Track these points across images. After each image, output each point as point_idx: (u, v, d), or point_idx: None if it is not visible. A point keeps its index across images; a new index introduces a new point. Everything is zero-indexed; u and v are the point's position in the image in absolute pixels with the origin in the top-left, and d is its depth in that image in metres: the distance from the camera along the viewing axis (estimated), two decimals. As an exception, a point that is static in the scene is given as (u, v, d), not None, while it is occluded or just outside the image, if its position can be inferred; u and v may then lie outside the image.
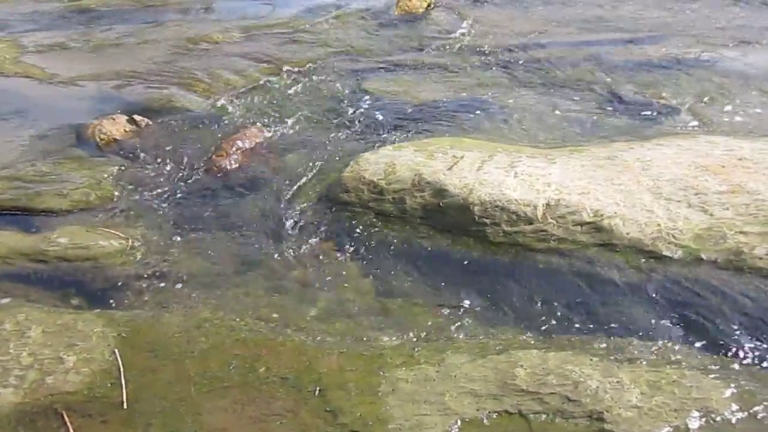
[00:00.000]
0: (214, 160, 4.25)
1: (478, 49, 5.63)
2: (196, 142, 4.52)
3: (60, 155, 4.42)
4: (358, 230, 3.62)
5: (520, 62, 5.36)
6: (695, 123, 4.32)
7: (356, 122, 4.64)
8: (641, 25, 5.85)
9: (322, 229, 3.67)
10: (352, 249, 3.52)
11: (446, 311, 3.08)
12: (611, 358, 2.73)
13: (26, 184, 4.09)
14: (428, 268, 3.35)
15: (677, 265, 3.12)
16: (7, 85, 5.45)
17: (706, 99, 4.58)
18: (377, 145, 4.24)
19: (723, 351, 2.76)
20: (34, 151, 4.48)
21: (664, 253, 3.16)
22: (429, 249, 3.45)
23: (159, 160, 4.33)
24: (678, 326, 2.89)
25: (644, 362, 2.70)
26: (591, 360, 2.71)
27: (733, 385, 2.57)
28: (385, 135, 4.42)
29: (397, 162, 3.83)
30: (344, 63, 5.62)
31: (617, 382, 2.59)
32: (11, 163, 4.33)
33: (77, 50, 6.04)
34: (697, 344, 2.80)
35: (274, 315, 3.11)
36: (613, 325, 2.93)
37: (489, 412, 2.55)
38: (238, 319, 3.07)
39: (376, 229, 3.61)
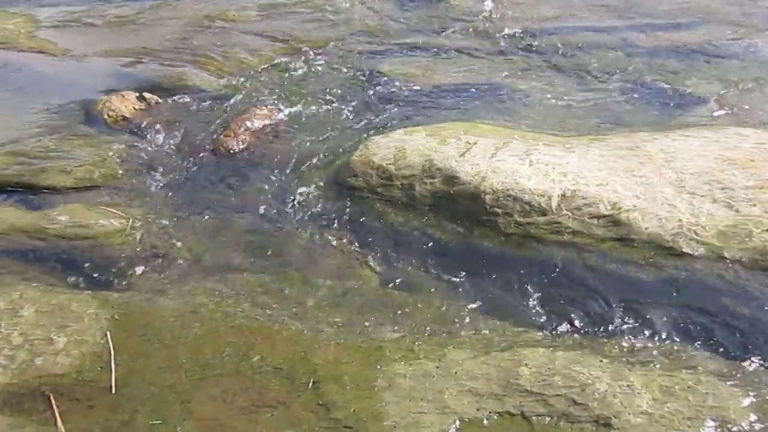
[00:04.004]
0: (222, 140, 4.15)
1: (499, 32, 5.43)
2: (205, 121, 4.42)
3: (67, 131, 4.34)
4: (364, 217, 3.50)
5: (543, 47, 5.15)
6: (724, 114, 4.10)
7: (369, 105, 4.50)
8: (670, 10, 5.59)
9: (328, 214, 3.55)
10: (357, 236, 3.40)
11: (451, 304, 2.95)
12: (622, 359, 2.58)
13: (31, 159, 4.02)
14: (435, 259, 3.22)
15: (698, 263, 2.95)
16: (20, 59, 5.38)
17: (736, 89, 4.35)
18: (389, 128, 4.10)
19: (743, 357, 2.59)
20: (42, 126, 4.41)
21: (684, 250, 2.99)
22: (437, 238, 3.31)
23: (166, 138, 4.23)
24: (696, 328, 2.72)
25: (658, 365, 2.55)
26: (601, 361, 2.56)
27: (752, 393, 2.41)
28: (397, 118, 4.27)
29: (407, 147, 3.69)
30: (361, 44, 5.46)
31: (628, 385, 2.44)
32: (18, 138, 4.26)
33: (92, 26, 5.95)
34: (716, 348, 2.64)
35: (272, 302, 3.01)
36: (626, 324, 2.78)
37: (490, 413, 2.42)
38: (234, 305, 2.97)
39: (384, 215, 3.48)
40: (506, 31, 5.38)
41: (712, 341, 2.67)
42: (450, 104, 4.43)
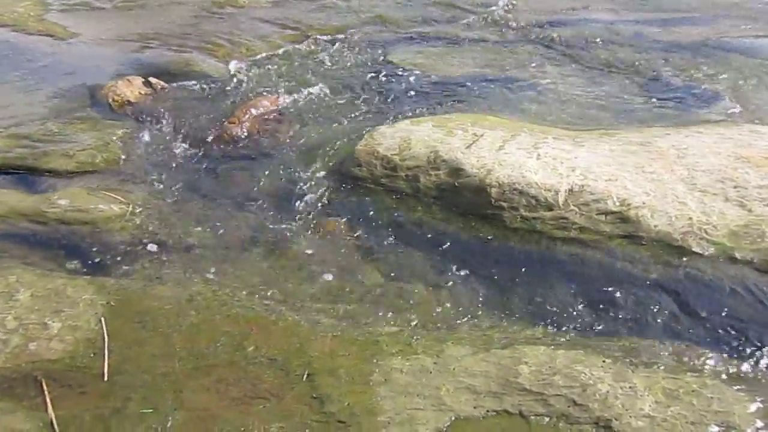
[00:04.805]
0: (226, 127, 4.10)
1: (513, 23, 5.35)
2: (210, 108, 4.37)
3: (71, 115, 4.31)
4: (367, 207, 3.43)
5: (557, 39, 5.07)
6: (738, 110, 4.00)
7: (377, 94, 4.44)
8: (685, 5, 5.49)
9: (330, 204, 3.49)
10: (359, 227, 3.34)
11: (451, 299, 2.89)
12: (626, 360, 2.50)
13: (34, 143, 3.99)
14: (438, 252, 3.16)
15: (708, 263, 2.87)
16: (28, 42, 5.36)
17: (752, 85, 4.25)
18: (396, 118, 4.03)
19: (751, 360, 2.51)
20: (47, 110, 4.38)
21: (694, 250, 2.90)
22: (440, 231, 3.25)
23: (170, 124, 4.19)
24: (702, 330, 2.64)
25: (662, 367, 2.47)
26: (603, 362, 2.49)
27: (759, 399, 2.33)
28: (405, 108, 4.21)
29: (413, 137, 3.62)
30: (372, 32, 5.40)
31: (630, 387, 2.37)
32: (22, 121, 4.23)
33: (101, 10, 5.93)
34: (723, 351, 2.55)
35: (270, 292, 2.95)
36: (631, 324, 2.70)
37: (487, 411, 2.36)
38: (231, 294, 2.92)
39: (387, 207, 3.42)
40: (519, 23, 5.31)
41: (718, 344, 2.59)
42: (459, 95, 4.36)
